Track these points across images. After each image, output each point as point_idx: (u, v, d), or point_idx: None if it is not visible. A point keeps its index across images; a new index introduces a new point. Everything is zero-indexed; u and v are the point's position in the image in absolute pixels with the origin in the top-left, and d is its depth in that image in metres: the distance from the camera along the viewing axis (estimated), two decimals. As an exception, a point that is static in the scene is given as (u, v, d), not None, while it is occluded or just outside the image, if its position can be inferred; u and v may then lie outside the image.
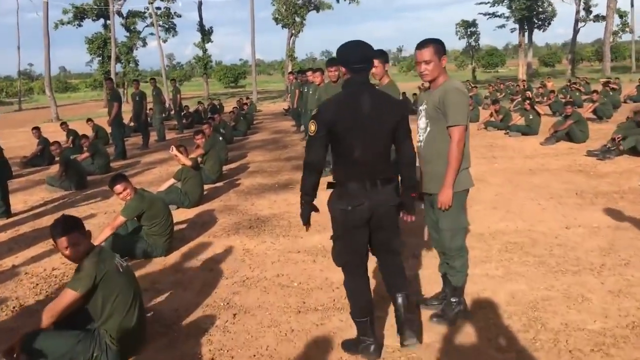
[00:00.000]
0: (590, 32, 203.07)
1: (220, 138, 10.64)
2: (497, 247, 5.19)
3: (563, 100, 17.48)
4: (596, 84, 23.60)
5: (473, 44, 55.35)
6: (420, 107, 3.59)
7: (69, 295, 3.16)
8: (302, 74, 11.82)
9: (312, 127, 2.96)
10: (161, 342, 3.68)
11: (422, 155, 3.54)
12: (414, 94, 21.55)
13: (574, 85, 19.78)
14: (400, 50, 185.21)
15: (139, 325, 3.45)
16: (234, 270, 4.97)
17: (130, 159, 12.62)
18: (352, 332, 3.42)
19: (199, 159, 8.87)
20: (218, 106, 27.76)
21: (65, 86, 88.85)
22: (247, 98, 29.70)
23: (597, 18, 45.61)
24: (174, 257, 5.46)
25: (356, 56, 3.00)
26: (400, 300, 3.20)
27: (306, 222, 3.17)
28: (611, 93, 17.19)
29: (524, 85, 25.18)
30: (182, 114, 19.21)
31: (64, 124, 15.13)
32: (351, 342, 3.38)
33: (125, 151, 12.82)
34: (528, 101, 12.92)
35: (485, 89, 27.29)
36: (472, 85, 28.30)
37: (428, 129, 3.48)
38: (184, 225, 6.58)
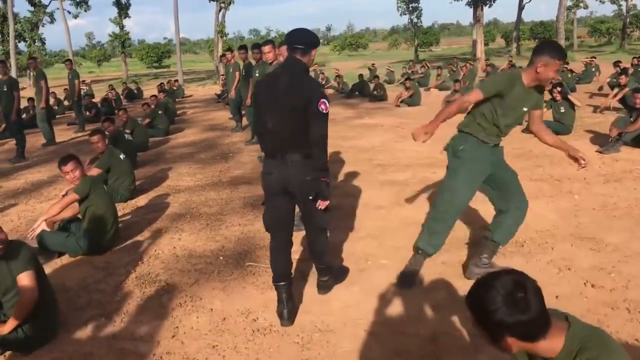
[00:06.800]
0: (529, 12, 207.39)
1: (122, 156, 6.42)
2: None
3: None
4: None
5: (415, 20, 51.66)
6: None
7: None
8: (255, 49, 7.74)
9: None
10: None
11: None
12: (360, 75, 20.12)
13: (565, 66, 16.56)
14: (329, 29, 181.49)
15: None
16: None
17: (-13, 183, 8.18)
18: None
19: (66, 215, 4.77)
20: (135, 90, 23.12)
21: (-35, 68, 79.33)
22: (175, 81, 24.97)
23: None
24: None
25: (295, 38, 3.21)
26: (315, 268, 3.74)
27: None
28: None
29: (487, 66, 22.13)
30: (84, 105, 14.68)
31: None
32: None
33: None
34: (559, 88, 9.41)
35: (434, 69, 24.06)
36: (430, 66, 25.07)
37: None
38: None
